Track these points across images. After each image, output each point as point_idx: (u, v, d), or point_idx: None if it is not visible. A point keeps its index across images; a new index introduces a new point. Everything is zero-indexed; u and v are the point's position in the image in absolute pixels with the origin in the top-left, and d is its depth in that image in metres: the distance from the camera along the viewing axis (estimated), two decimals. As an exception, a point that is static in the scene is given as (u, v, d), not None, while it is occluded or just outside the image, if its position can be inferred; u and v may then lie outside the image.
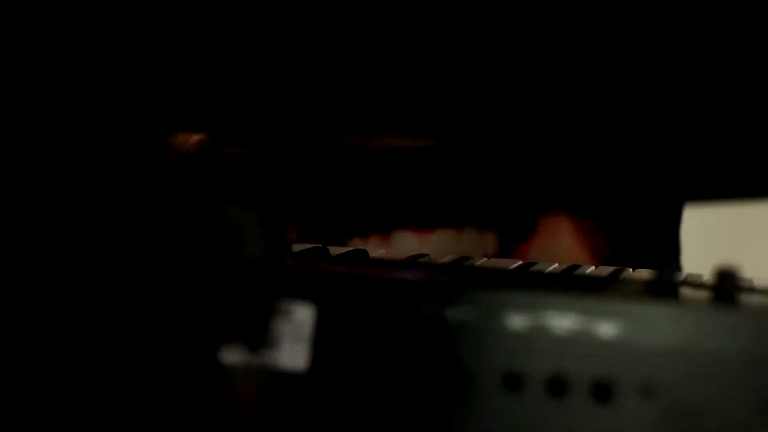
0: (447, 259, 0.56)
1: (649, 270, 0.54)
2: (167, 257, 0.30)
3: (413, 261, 0.51)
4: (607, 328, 0.34)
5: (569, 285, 0.37)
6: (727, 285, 0.38)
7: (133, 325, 0.29)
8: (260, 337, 0.29)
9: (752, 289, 0.46)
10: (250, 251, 0.29)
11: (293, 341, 0.36)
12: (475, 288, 0.35)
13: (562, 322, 0.35)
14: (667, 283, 0.38)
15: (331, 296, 0.36)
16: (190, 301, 0.29)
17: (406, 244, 0.68)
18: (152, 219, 0.29)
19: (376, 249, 0.60)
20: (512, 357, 0.35)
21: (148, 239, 0.29)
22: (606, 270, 0.54)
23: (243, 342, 0.30)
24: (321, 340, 0.36)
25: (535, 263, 0.56)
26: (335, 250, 0.53)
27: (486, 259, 0.58)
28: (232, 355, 0.34)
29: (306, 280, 0.36)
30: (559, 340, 0.35)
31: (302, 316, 0.36)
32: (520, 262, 0.56)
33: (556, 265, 0.56)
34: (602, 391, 0.34)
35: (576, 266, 0.56)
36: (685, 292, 0.38)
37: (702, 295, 0.37)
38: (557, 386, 0.35)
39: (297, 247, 0.53)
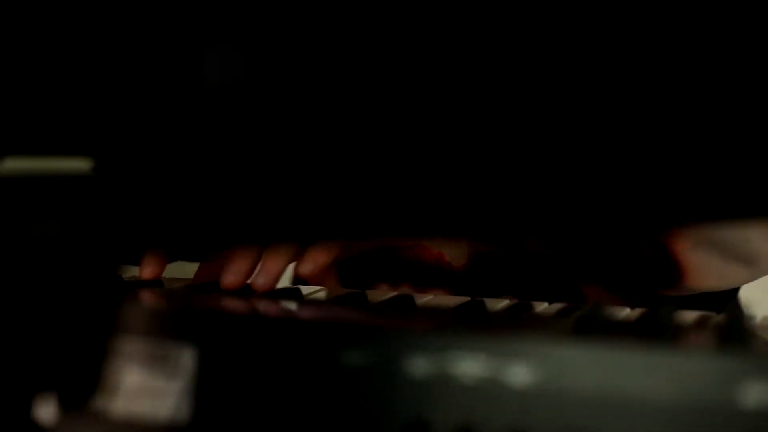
0: (388, 296, 0.52)
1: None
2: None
3: (342, 299, 0.47)
4: (520, 373, 0.31)
5: (483, 325, 0.34)
6: (661, 323, 0.34)
7: None
8: (83, 386, 0.25)
9: (689, 327, 0.42)
10: (58, 280, 0.25)
11: (172, 390, 0.32)
12: (373, 328, 0.32)
13: (471, 366, 0.31)
14: (595, 321, 0.34)
15: (217, 338, 0.33)
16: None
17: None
18: None
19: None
20: (416, 405, 0.31)
21: None
22: (555, 307, 0.50)
23: (59, 391, 0.26)
24: (205, 387, 0.32)
25: (482, 300, 0.52)
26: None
27: (431, 296, 0.54)
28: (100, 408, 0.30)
29: (187, 319, 0.33)
30: (467, 387, 0.31)
31: (184, 360, 0.33)
32: (468, 299, 0.52)
33: (507, 301, 0.53)
34: (517, 445, 0.31)
35: (527, 305, 0.52)
36: (616, 330, 0.34)
37: (633, 333, 0.33)
38: (467, 439, 0.31)
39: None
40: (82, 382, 0.26)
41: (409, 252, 0.67)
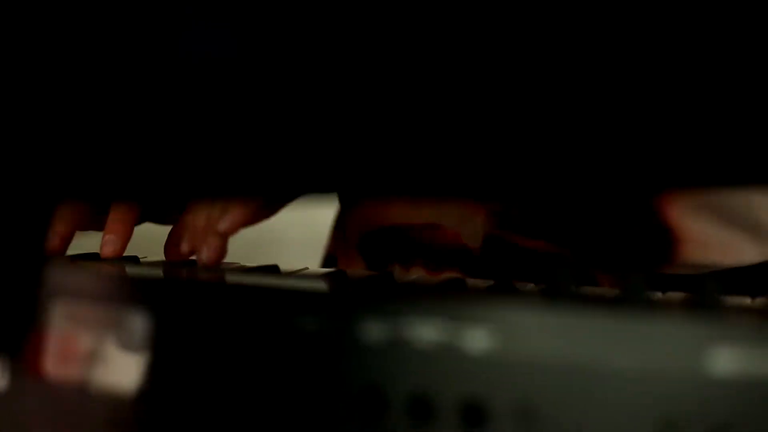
0: (368, 273, 0.51)
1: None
2: None
3: (321, 276, 0.46)
4: (477, 340, 0.30)
5: (438, 293, 0.33)
6: (631, 292, 0.33)
7: None
8: (23, 347, 0.24)
9: (662, 299, 0.40)
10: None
11: (124, 355, 0.32)
12: (326, 296, 0.31)
13: (425, 332, 0.30)
14: (560, 289, 0.33)
15: (172, 304, 0.32)
16: None
17: None
18: None
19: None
20: (371, 372, 0.30)
21: None
22: (539, 287, 0.49)
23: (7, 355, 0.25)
24: (160, 353, 0.32)
25: (464, 279, 0.51)
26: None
27: (414, 276, 0.53)
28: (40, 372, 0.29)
29: (142, 286, 0.32)
30: (422, 353, 0.30)
31: (135, 325, 0.32)
32: (451, 276, 0.51)
33: (492, 282, 0.51)
34: (473, 414, 0.29)
35: (510, 284, 0.51)
36: (580, 298, 0.33)
37: (599, 302, 0.32)
38: (422, 408, 0.30)
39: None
40: (22, 343, 0.25)
41: (424, 232, 0.66)
